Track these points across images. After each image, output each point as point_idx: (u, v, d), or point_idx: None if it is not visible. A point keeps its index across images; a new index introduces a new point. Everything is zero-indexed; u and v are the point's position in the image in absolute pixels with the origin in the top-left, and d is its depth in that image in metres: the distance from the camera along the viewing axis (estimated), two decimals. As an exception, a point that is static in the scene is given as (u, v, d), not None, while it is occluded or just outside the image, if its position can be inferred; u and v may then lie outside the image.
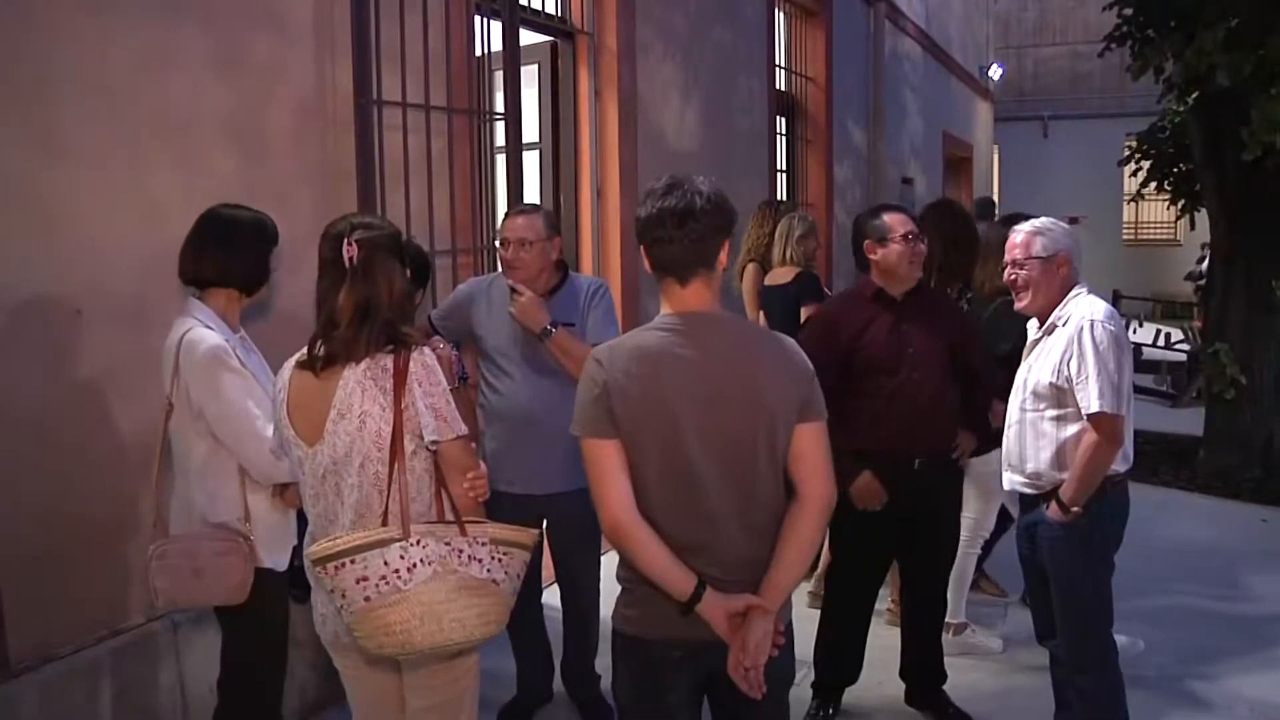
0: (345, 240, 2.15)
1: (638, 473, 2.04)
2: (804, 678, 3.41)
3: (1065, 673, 3.06)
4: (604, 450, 2.04)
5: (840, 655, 3.50)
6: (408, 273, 2.28)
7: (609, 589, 3.57)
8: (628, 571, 2.12)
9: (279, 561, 2.62)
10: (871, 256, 3.34)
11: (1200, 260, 12.23)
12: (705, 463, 2.03)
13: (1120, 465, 2.92)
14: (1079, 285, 2.97)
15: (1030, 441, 2.99)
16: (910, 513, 3.36)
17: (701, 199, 2.05)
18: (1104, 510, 2.92)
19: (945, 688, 3.59)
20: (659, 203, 2.06)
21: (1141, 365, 9.17)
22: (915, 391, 3.28)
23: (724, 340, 2.09)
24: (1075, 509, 2.87)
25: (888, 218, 3.34)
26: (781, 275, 4.88)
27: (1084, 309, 2.90)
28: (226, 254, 2.56)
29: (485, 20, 4.32)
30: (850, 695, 3.57)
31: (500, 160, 4.57)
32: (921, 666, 3.60)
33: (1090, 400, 2.81)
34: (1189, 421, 7.68)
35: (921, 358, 3.29)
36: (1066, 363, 2.86)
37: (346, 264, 2.14)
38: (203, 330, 2.49)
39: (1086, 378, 2.82)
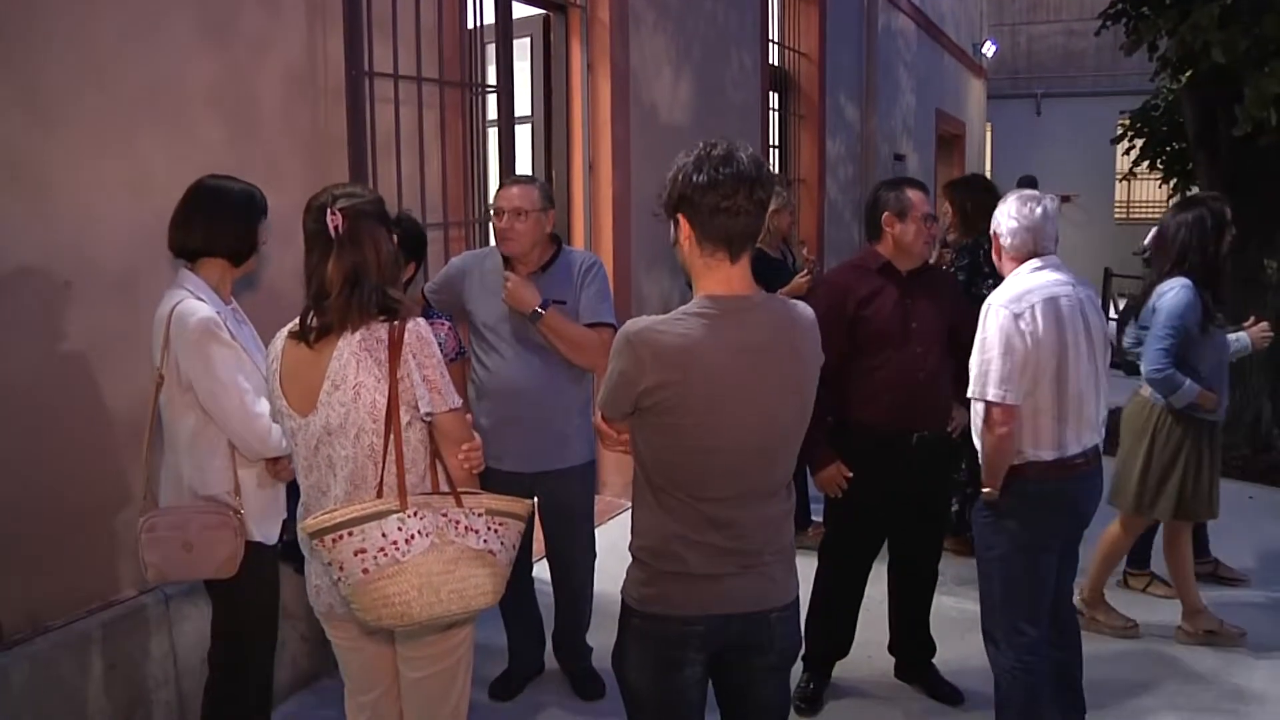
0: (328, 211, 2.13)
1: (667, 454, 1.98)
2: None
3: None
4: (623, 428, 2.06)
5: (832, 629, 3.51)
6: (394, 237, 2.26)
7: (599, 564, 3.60)
8: (643, 543, 2.04)
9: (269, 535, 2.62)
10: (889, 230, 3.32)
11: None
12: (741, 450, 1.96)
13: (1046, 453, 2.77)
14: (1035, 260, 2.82)
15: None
16: (905, 488, 3.37)
17: (761, 166, 1.95)
18: (1026, 494, 2.79)
19: (934, 661, 3.62)
20: (724, 168, 1.91)
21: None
22: (918, 366, 3.28)
23: (767, 329, 1.98)
24: (986, 490, 2.84)
25: (910, 194, 3.31)
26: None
27: (999, 290, 2.82)
28: (213, 224, 2.54)
29: (477, -8, 4.28)
30: (840, 669, 3.59)
31: (492, 133, 4.56)
32: (911, 641, 3.62)
33: (971, 383, 2.79)
34: (1177, 399, 7.70)
35: (925, 333, 3.30)
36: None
37: (332, 234, 2.12)
38: (194, 302, 2.47)
39: (974, 360, 2.78)
